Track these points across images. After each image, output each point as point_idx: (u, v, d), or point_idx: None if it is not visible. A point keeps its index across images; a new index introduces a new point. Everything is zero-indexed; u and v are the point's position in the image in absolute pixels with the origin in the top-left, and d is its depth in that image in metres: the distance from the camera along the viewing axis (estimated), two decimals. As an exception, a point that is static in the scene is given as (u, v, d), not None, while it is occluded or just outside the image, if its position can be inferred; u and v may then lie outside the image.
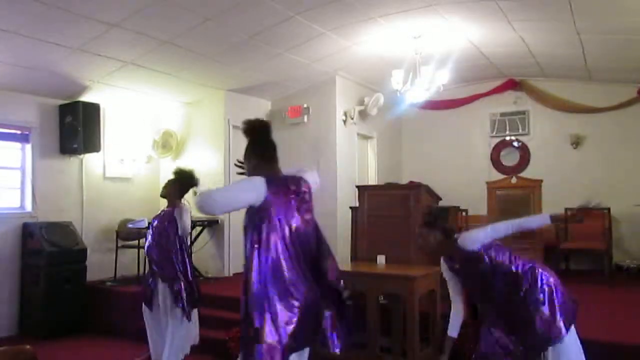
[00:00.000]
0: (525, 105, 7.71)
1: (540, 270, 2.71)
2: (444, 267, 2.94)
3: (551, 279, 2.70)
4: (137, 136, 6.95)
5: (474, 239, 2.71)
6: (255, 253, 2.42)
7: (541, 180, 6.38)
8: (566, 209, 4.74)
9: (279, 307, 2.38)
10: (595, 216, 6.02)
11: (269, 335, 2.35)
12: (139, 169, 6.96)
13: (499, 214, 6.51)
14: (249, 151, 2.70)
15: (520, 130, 7.76)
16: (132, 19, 4.54)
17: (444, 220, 2.92)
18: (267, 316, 2.37)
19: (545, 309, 2.62)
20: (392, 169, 8.36)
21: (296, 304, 2.41)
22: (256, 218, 2.46)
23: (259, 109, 7.32)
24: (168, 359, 4.00)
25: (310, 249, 2.56)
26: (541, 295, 2.64)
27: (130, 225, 6.13)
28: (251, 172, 2.65)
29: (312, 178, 2.71)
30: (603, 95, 7.04)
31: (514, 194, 6.53)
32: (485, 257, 2.68)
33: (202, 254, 6.57)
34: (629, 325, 4.18)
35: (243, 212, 2.56)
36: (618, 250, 6.69)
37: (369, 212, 4.84)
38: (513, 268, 2.69)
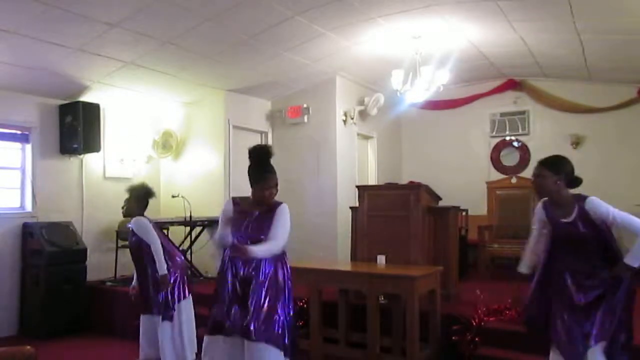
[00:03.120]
0: (525, 105, 7.71)
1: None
2: (540, 214, 3.03)
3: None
4: (137, 136, 6.95)
5: (604, 210, 2.78)
6: None
7: (541, 180, 6.38)
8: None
9: None
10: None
11: None
12: (139, 169, 6.96)
13: (499, 214, 6.54)
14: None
15: (520, 130, 7.76)
16: (132, 19, 4.54)
17: (569, 168, 2.95)
18: None
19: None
20: (392, 169, 8.36)
21: None
22: None
23: (259, 109, 7.32)
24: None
25: None
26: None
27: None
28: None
29: None
30: (603, 95, 7.04)
31: (514, 194, 6.54)
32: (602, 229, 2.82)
33: (202, 254, 6.57)
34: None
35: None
36: (618, 250, 6.69)
37: (369, 212, 4.83)
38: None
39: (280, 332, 2.78)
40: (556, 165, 2.93)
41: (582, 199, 2.86)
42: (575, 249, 2.89)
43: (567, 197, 2.92)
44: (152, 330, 4.16)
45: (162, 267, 3.97)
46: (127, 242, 6.24)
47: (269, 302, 2.79)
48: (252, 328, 2.75)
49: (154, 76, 5.90)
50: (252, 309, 2.78)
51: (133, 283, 4.24)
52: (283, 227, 2.92)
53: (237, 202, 3.10)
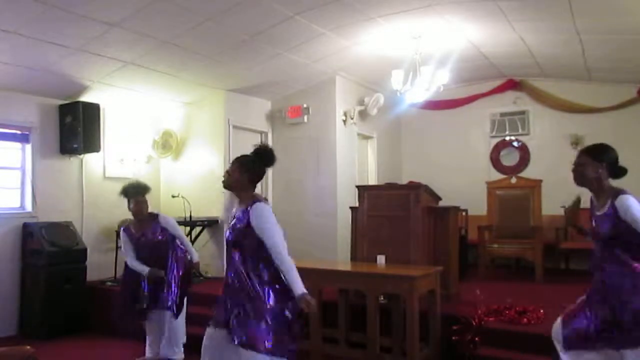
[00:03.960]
0: (525, 105, 7.71)
1: None
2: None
3: None
4: (137, 136, 6.94)
5: (635, 215, 2.51)
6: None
7: (541, 180, 6.39)
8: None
9: None
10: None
11: None
12: (139, 169, 6.95)
13: (499, 214, 6.54)
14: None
15: (520, 130, 7.76)
16: (132, 19, 4.54)
17: (611, 156, 2.74)
18: None
19: None
20: (392, 169, 8.36)
21: None
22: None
23: (259, 109, 7.32)
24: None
25: None
26: None
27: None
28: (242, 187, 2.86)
29: None
30: (603, 95, 7.04)
31: (514, 194, 6.54)
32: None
33: (202, 253, 6.55)
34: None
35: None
36: (618, 250, 6.68)
37: (369, 212, 4.83)
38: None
39: (262, 334, 2.72)
40: (597, 152, 2.73)
41: (617, 193, 2.64)
42: (597, 244, 2.73)
43: (607, 188, 2.71)
44: (158, 327, 4.23)
45: (194, 255, 4.40)
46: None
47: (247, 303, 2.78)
48: (232, 328, 2.75)
49: (154, 76, 5.90)
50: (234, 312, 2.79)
51: (149, 271, 4.18)
52: (272, 237, 2.74)
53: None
